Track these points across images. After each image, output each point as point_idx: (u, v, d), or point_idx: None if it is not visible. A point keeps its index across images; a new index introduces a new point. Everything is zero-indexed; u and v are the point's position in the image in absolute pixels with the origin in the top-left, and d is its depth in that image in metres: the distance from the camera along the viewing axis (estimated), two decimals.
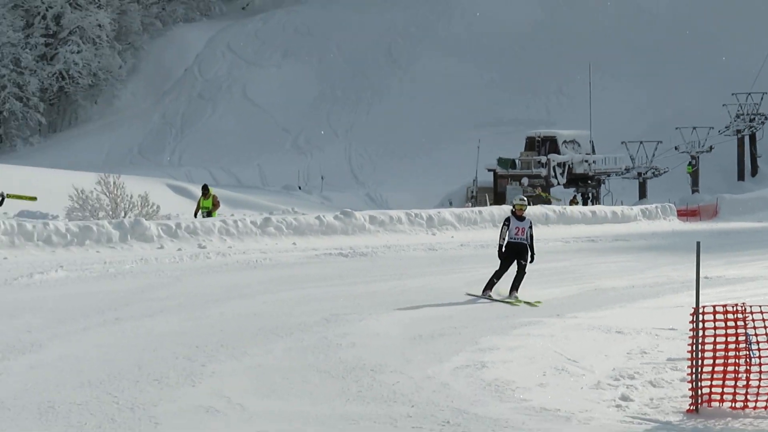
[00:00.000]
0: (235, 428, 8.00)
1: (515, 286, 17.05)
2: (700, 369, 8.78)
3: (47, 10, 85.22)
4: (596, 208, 41.49)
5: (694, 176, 57.47)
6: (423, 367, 10.78)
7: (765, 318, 9.16)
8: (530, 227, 17.52)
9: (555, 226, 35.43)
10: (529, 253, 17.33)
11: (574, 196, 51.23)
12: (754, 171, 60.15)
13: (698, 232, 36.55)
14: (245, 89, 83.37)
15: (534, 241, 17.65)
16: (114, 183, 38.06)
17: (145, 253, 24.40)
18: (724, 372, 8.88)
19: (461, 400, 9.21)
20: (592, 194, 52.24)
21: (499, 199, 51.23)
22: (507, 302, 16.49)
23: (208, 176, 64.74)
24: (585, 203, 49.80)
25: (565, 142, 55.32)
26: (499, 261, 17.35)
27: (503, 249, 17.24)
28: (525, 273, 17.18)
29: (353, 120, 77.36)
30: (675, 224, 40.14)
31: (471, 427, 8.21)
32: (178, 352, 11.06)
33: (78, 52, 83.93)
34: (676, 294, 17.49)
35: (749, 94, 60.11)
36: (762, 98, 60.05)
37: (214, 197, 33.36)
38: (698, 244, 9.54)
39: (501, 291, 17.25)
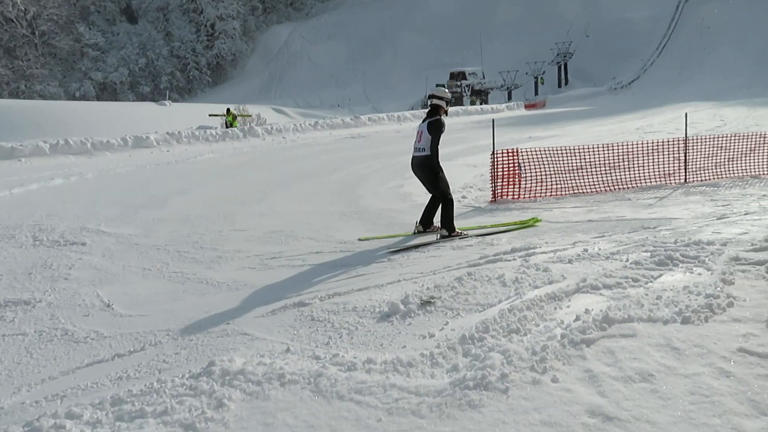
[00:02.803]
0: (275, 222, 7.97)
1: (432, 220, 6.81)
2: (496, 181, 8.95)
3: (207, 22, 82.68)
4: (484, 106, 40.82)
5: (536, 85, 56.56)
6: (377, 185, 10.93)
7: (528, 155, 9.29)
8: (428, 129, 6.52)
9: (462, 116, 35.01)
10: (431, 171, 6.60)
11: (473, 101, 50.48)
12: (566, 82, 59.02)
13: (533, 114, 36.03)
14: (310, 56, 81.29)
15: (437, 146, 6.57)
16: (242, 108, 37.80)
17: (256, 142, 24.35)
18: (509, 182, 9.07)
19: (388, 203, 9.40)
20: (483, 100, 51.15)
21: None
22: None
23: (293, 103, 63.61)
24: (481, 104, 48.78)
25: (469, 73, 54.19)
26: (443, 182, 6.80)
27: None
28: (448, 203, 6.55)
29: (366, 68, 75.86)
30: (523, 111, 39.63)
31: (388, 219, 8.37)
32: (257, 188, 11.09)
33: (224, 43, 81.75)
34: (515, 144, 17.01)
35: (563, 42, 58.74)
36: (570, 45, 58.67)
37: (233, 114, 30.39)
38: (493, 120, 9.56)
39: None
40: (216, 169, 15.14)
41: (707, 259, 5.10)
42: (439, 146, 6.59)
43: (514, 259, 5.38)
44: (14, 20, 72.72)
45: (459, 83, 52.68)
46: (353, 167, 14.17)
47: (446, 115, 6.76)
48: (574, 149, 10.28)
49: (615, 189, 9.37)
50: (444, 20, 77.06)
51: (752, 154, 10.84)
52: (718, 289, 4.36)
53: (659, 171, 10.13)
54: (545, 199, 8.85)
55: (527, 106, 41.90)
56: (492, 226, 7.10)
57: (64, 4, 77.58)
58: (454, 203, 6.80)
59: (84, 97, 70.11)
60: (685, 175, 9.74)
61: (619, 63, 57.62)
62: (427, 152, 6.55)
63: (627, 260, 5.19)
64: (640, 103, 38.32)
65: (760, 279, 4.64)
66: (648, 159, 10.69)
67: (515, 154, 8.94)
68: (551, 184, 9.26)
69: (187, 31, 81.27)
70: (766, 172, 10.08)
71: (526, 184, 8.95)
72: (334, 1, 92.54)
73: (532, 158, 9.69)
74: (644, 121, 26.11)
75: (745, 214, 6.97)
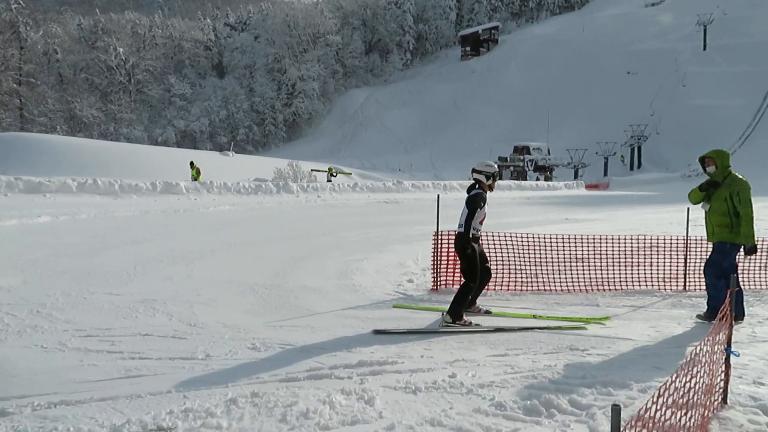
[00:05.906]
0: (168, 288, 6.95)
1: (475, 300, 6.18)
2: (438, 266, 7.58)
3: (288, 81, 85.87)
4: (540, 183, 39.04)
5: (605, 165, 54.20)
6: (338, 257, 9.69)
7: (510, 241, 7.86)
8: (466, 203, 5.75)
9: (515, 190, 33.52)
10: (461, 249, 5.69)
11: (537, 177, 48.73)
12: (639, 165, 56.20)
13: (591, 195, 34.01)
14: (383, 120, 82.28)
15: (471, 221, 5.66)
16: (294, 165, 37.81)
17: (287, 198, 23.99)
18: (447, 269, 7.67)
19: (317, 279, 8.12)
20: (546, 176, 49.29)
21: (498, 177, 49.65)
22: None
23: (359, 164, 64.04)
24: (546, 180, 46.87)
25: (534, 148, 52.75)
26: (470, 263, 5.69)
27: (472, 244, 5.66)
28: (466, 288, 5.69)
29: (435, 136, 75.45)
30: (582, 191, 37.56)
31: (292, 299, 7.12)
32: (217, 246, 10.13)
33: (302, 102, 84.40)
34: (548, 224, 14.97)
35: (638, 125, 56.45)
36: (645, 128, 56.25)
37: (197, 169, 28.54)
38: (438, 196, 8.21)
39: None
40: (211, 222, 14.45)
41: (602, 412, 3.59)
42: (473, 221, 5.68)
43: (349, 377, 4.04)
44: (115, 68, 78.25)
45: (522, 157, 51.40)
46: (344, 233, 13.10)
47: (491, 190, 5.94)
48: (568, 239, 8.77)
49: (592, 290, 7.76)
50: (517, 94, 77.02)
51: None
52: None
53: (662, 273, 8.43)
54: (498, 294, 7.37)
55: (588, 187, 39.87)
56: (541, 317, 6.18)
57: (162, 57, 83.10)
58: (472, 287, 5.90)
59: (165, 143, 73.61)
60: (685, 282, 7.99)
61: (698, 150, 54.26)
62: (462, 228, 5.70)
63: (491, 399, 3.75)
64: None
65: None
66: (659, 258, 8.99)
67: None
68: (518, 277, 7.78)
69: (268, 88, 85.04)
70: None
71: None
72: (413, 70, 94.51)
73: (514, 245, 8.28)
74: (701, 213, 23.74)
75: None
